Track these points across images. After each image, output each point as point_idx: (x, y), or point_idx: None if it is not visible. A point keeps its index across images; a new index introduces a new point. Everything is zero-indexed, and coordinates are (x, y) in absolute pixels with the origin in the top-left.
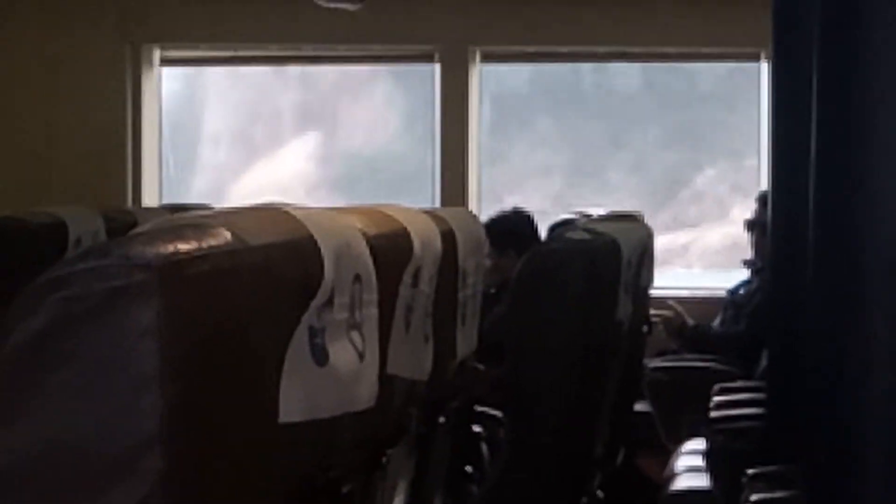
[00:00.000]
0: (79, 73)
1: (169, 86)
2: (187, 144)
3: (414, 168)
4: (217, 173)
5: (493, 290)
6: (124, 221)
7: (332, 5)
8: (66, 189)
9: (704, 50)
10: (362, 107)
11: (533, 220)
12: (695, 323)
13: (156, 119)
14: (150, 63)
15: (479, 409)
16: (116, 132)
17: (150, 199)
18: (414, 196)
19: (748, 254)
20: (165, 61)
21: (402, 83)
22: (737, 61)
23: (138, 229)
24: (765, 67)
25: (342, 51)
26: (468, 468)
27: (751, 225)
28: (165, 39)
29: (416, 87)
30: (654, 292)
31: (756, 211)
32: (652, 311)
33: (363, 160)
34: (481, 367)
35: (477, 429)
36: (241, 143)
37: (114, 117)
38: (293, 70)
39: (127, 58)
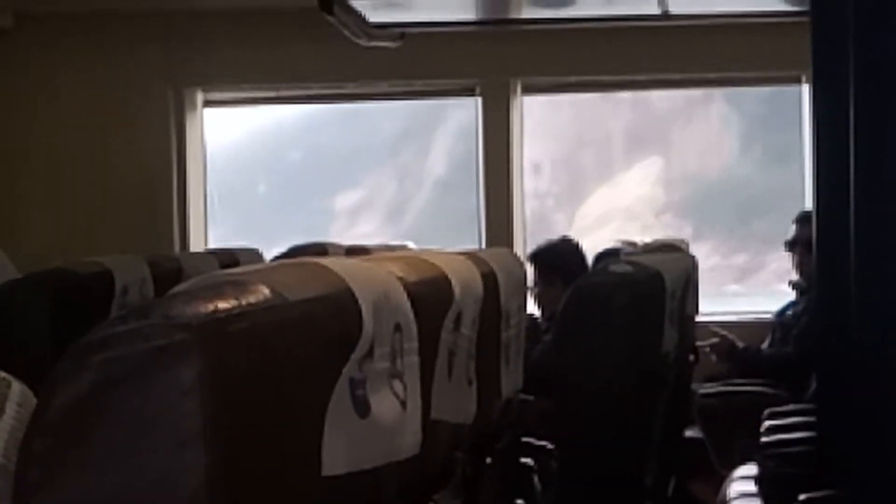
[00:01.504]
0: (122, 118)
1: (465, 114)
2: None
3: (759, 191)
4: (540, 201)
5: (540, 321)
6: (170, 268)
7: (373, 44)
8: (114, 234)
9: (747, 75)
10: (697, 130)
11: (581, 251)
12: (744, 346)
13: (200, 162)
14: (194, 106)
15: (530, 441)
16: (161, 176)
17: (196, 241)
18: (765, 216)
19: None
20: (209, 103)
21: (737, 104)
22: (778, 85)
23: (179, 288)
24: (806, 90)
25: (384, 87)
26: (520, 501)
27: (791, 245)
28: (208, 82)
29: (751, 109)
30: (700, 318)
31: (796, 231)
32: (699, 343)
33: (705, 184)
34: (530, 398)
35: (527, 461)
36: (566, 169)
37: (158, 161)
38: (622, 95)
39: (170, 101)
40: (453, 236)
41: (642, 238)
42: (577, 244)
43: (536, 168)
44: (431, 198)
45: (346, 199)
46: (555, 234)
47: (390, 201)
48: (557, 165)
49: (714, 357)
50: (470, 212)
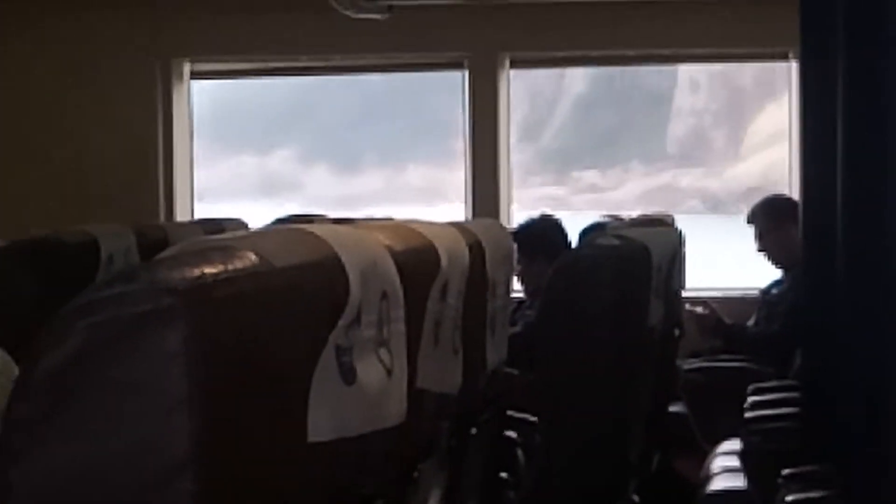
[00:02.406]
0: (109, 88)
1: None
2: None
3: None
4: (696, 118)
5: (524, 297)
6: (156, 238)
7: (361, 16)
8: (100, 204)
9: (734, 50)
10: None
11: (562, 226)
12: (732, 322)
13: (187, 133)
14: (181, 77)
15: (514, 414)
16: (148, 147)
17: (182, 212)
18: None
19: None
20: (195, 75)
21: None
22: (766, 61)
23: (165, 253)
24: (794, 66)
25: (372, 60)
26: (504, 474)
27: (762, 244)
28: (195, 53)
29: None
30: (686, 293)
31: (757, 227)
32: (686, 307)
33: None
34: (515, 372)
35: (512, 434)
36: (725, 86)
37: (145, 132)
38: None
39: (157, 72)
40: (595, 155)
41: (627, 213)
42: (559, 221)
43: (694, 85)
44: (571, 115)
45: None
46: (712, 152)
47: (525, 119)
48: (716, 81)
49: (698, 330)
50: (611, 128)
